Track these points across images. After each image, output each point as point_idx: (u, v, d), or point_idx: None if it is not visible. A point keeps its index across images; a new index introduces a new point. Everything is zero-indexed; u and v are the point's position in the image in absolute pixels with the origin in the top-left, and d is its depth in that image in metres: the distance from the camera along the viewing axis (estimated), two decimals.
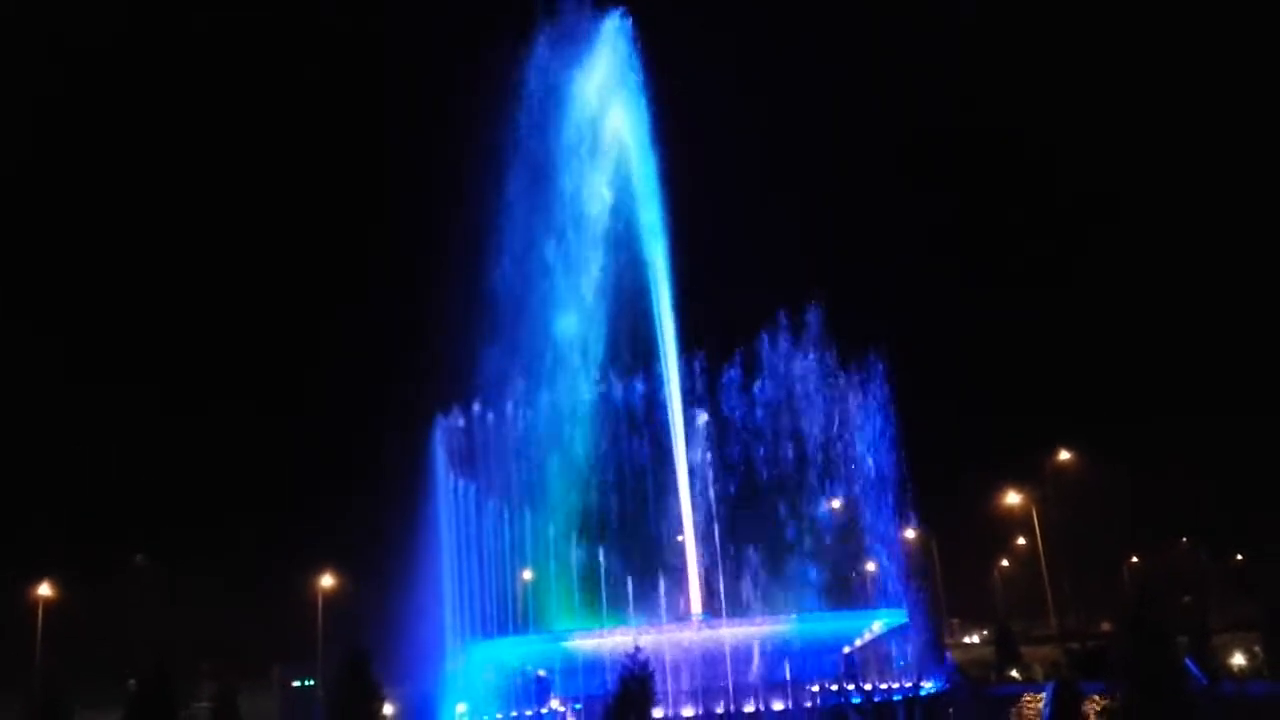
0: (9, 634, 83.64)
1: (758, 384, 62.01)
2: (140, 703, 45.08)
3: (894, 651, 62.42)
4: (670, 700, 48.81)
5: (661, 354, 61.49)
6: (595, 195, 65.51)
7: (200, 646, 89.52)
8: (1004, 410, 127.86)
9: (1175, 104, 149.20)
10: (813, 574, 60.97)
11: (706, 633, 51.35)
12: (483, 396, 61.89)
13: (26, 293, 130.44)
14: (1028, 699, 55.13)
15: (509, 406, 61.91)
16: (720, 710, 49.70)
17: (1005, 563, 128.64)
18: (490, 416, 61.76)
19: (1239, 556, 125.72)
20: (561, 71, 66.72)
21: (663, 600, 56.67)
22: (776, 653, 51.64)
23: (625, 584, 57.20)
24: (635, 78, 65.67)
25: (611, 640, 48.65)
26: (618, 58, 66.01)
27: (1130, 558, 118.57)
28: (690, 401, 61.05)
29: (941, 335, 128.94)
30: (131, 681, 51.31)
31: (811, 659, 53.76)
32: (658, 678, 37.88)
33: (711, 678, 50.40)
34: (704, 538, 58.55)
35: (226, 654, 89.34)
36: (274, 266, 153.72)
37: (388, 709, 45.69)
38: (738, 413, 61.67)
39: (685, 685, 49.99)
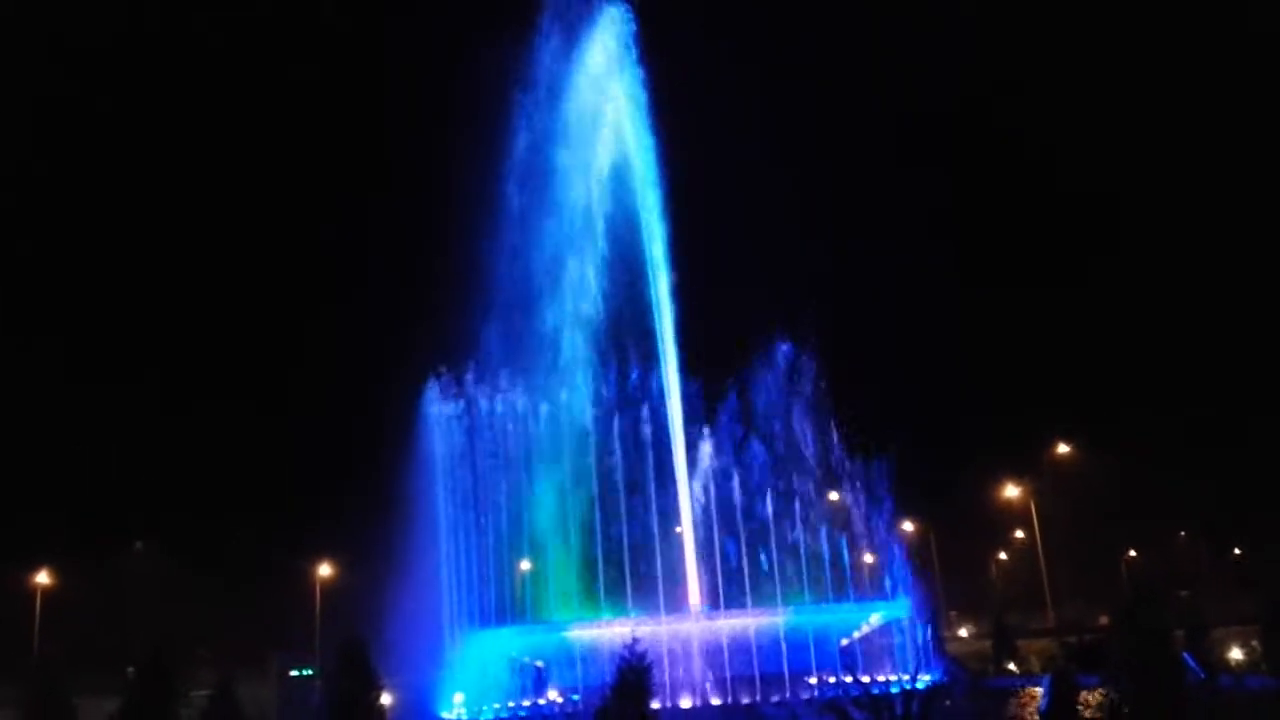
0: (8, 622, 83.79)
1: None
2: (138, 691, 45.00)
3: (892, 643, 62.51)
4: (668, 691, 48.88)
5: (661, 353, 61.54)
6: (594, 186, 65.50)
7: (198, 635, 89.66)
8: (1003, 403, 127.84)
9: (1179, 98, 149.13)
10: (810, 566, 61.07)
11: (705, 624, 51.53)
12: (478, 385, 61.95)
13: (26, 287, 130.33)
14: (1025, 692, 55.13)
15: (505, 395, 61.95)
16: (718, 701, 49.83)
17: (1003, 556, 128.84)
18: (486, 405, 61.81)
19: (1237, 551, 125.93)
20: (560, 68, 66.76)
21: (661, 592, 56.77)
22: (774, 644, 51.76)
23: (623, 575, 57.34)
24: (633, 72, 65.70)
25: (609, 631, 48.82)
26: (616, 53, 66.04)
27: (1128, 551, 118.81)
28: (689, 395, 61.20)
29: (940, 329, 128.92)
30: (130, 669, 51.27)
31: (809, 651, 53.89)
32: (656, 669, 37.83)
33: (710, 669, 50.52)
34: (703, 529, 58.63)
35: (225, 642, 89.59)
36: (270, 261, 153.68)
37: (386, 698, 45.59)
38: (736, 406, 61.85)
39: (683, 677, 50.07)
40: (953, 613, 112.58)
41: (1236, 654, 73.16)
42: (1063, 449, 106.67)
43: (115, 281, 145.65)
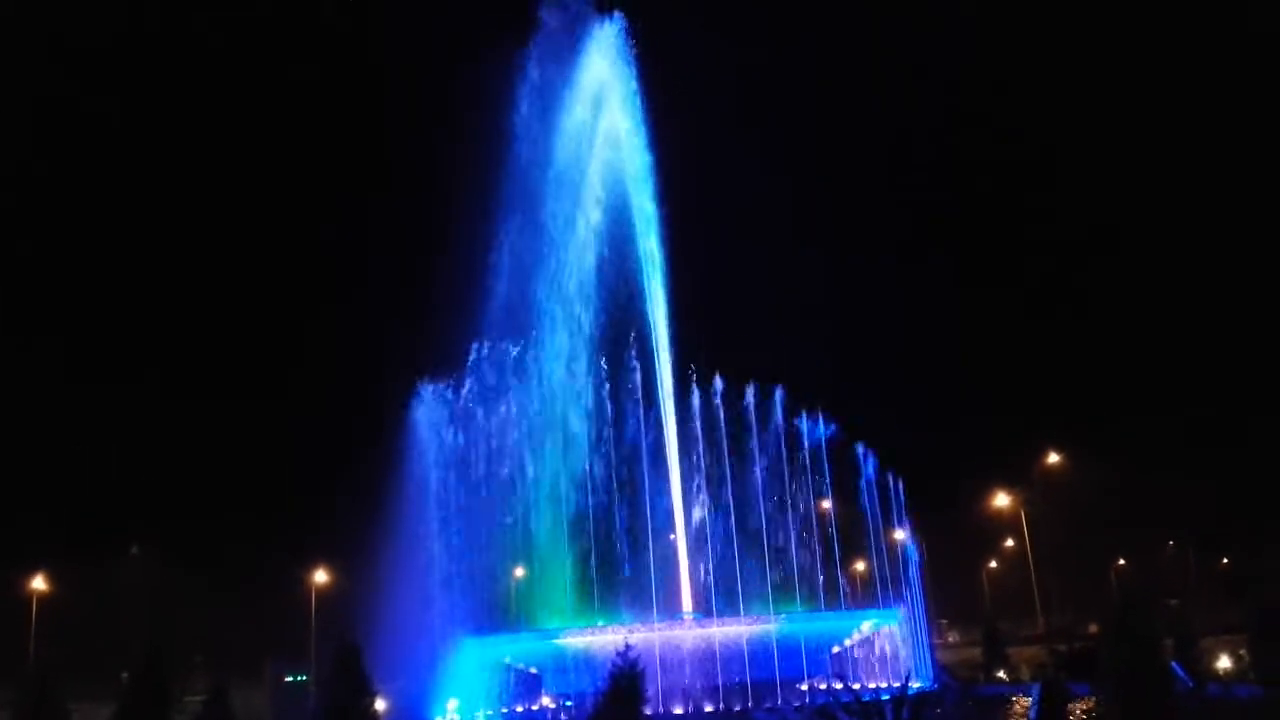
0: (3, 627, 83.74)
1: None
2: (133, 696, 45.21)
3: (883, 651, 62.78)
4: (660, 698, 49.07)
5: (656, 359, 61.78)
6: (591, 190, 65.75)
7: (193, 640, 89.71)
8: (994, 413, 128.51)
9: (1177, 99, 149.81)
10: (803, 574, 61.35)
11: (697, 631, 51.71)
12: (471, 389, 62.13)
13: (23, 288, 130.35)
14: (1015, 700, 55.44)
15: (499, 400, 62.14)
16: (710, 708, 50.05)
17: (993, 564, 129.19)
18: (479, 410, 61.99)
19: (1225, 560, 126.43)
20: (559, 70, 67.02)
21: (654, 598, 57.03)
22: (766, 651, 52.00)
23: (616, 582, 57.59)
24: (632, 76, 65.95)
25: (602, 638, 48.99)
26: (614, 57, 66.28)
27: (1117, 560, 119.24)
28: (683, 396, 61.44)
29: (932, 337, 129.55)
30: (124, 675, 51.43)
31: (801, 658, 54.14)
32: (648, 675, 38.10)
33: (702, 676, 50.74)
34: (696, 536, 58.88)
35: (219, 648, 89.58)
36: (266, 264, 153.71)
37: (379, 704, 45.77)
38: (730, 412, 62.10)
39: (675, 683, 50.29)
40: (943, 620, 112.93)
41: (1225, 663, 73.62)
42: (1053, 458, 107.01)
43: (115, 283, 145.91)
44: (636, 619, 54.56)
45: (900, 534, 67.31)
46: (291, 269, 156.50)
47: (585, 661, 50.04)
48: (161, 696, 45.60)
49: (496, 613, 60.14)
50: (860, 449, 62.63)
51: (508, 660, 57.22)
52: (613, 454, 60.45)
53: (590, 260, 65.04)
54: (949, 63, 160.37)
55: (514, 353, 62.74)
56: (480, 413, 61.81)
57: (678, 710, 50.17)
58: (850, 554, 66.37)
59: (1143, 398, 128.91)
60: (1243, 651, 67.24)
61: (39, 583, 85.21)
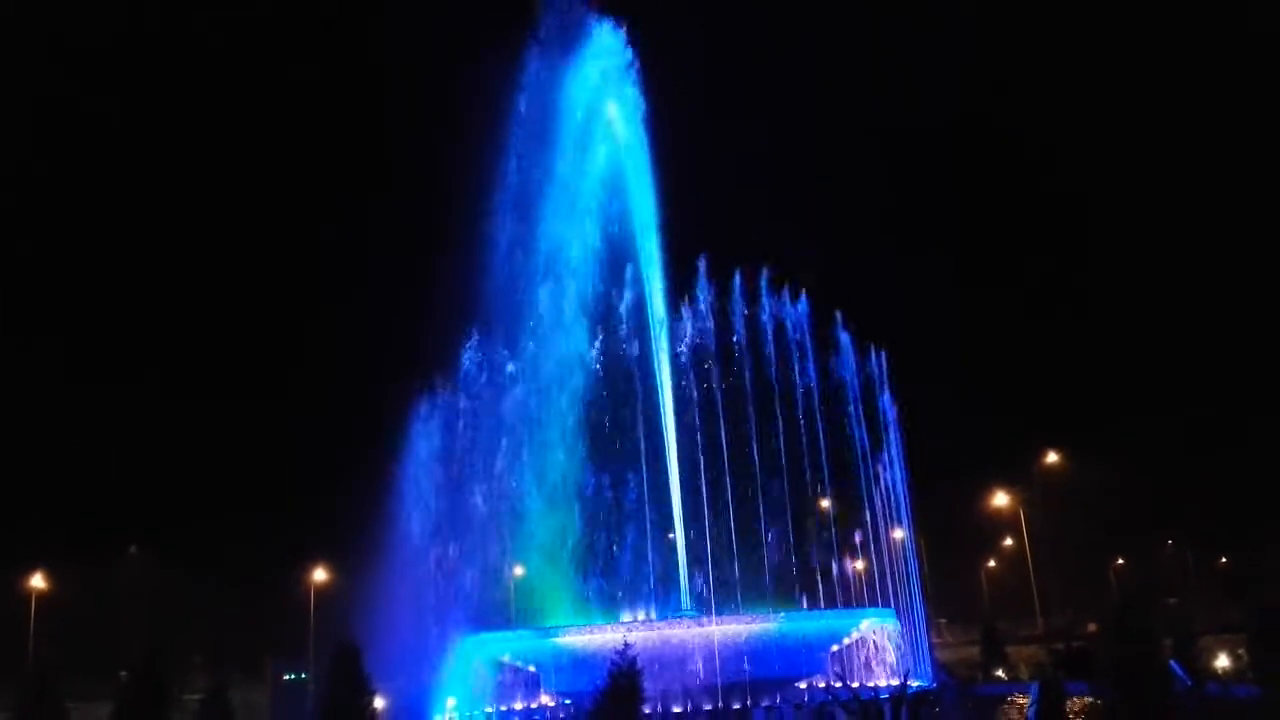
0: (2, 626, 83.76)
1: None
2: (131, 695, 45.27)
3: (882, 650, 62.82)
4: (659, 696, 49.09)
5: (655, 360, 61.74)
6: (589, 188, 65.69)
7: (193, 639, 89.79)
8: (992, 412, 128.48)
9: (1177, 99, 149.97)
10: (802, 573, 61.42)
11: (696, 630, 51.67)
12: (468, 389, 62.16)
13: (23, 288, 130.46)
14: (1013, 699, 55.47)
15: (496, 396, 62.15)
16: (709, 707, 50.05)
17: (992, 563, 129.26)
18: (476, 408, 62.03)
19: (1224, 559, 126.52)
20: (557, 71, 66.96)
21: (652, 597, 57.12)
22: (765, 650, 52.00)
23: (615, 581, 57.66)
24: (631, 78, 65.87)
25: (601, 636, 48.99)
26: (614, 59, 66.24)
27: (1116, 559, 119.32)
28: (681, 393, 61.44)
29: (932, 336, 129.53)
30: (123, 673, 51.50)
31: (800, 657, 54.18)
32: (646, 674, 38.15)
33: (701, 674, 50.74)
34: (694, 535, 58.87)
35: (219, 647, 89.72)
36: (266, 264, 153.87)
37: (378, 703, 45.83)
38: (730, 410, 62.13)
39: (674, 682, 50.29)
40: (942, 620, 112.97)
41: (1224, 662, 73.75)
42: (1052, 457, 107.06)
43: (115, 283, 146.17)
44: (635, 618, 54.68)
45: (900, 533, 67.42)
46: (291, 269, 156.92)
47: (584, 660, 50.00)
48: (160, 695, 45.65)
49: (495, 611, 60.20)
50: (860, 448, 62.62)
51: (506, 659, 57.21)
52: (611, 454, 60.51)
53: (591, 265, 64.92)
54: (949, 62, 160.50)
55: (510, 352, 62.81)
56: (478, 411, 61.86)
57: (676, 709, 50.17)
58: (849, 553, 66.41)
59: (1142, 398, 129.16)
60: (1241, 651, 67.41)
61: (38, 581, 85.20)
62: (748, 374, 62.44)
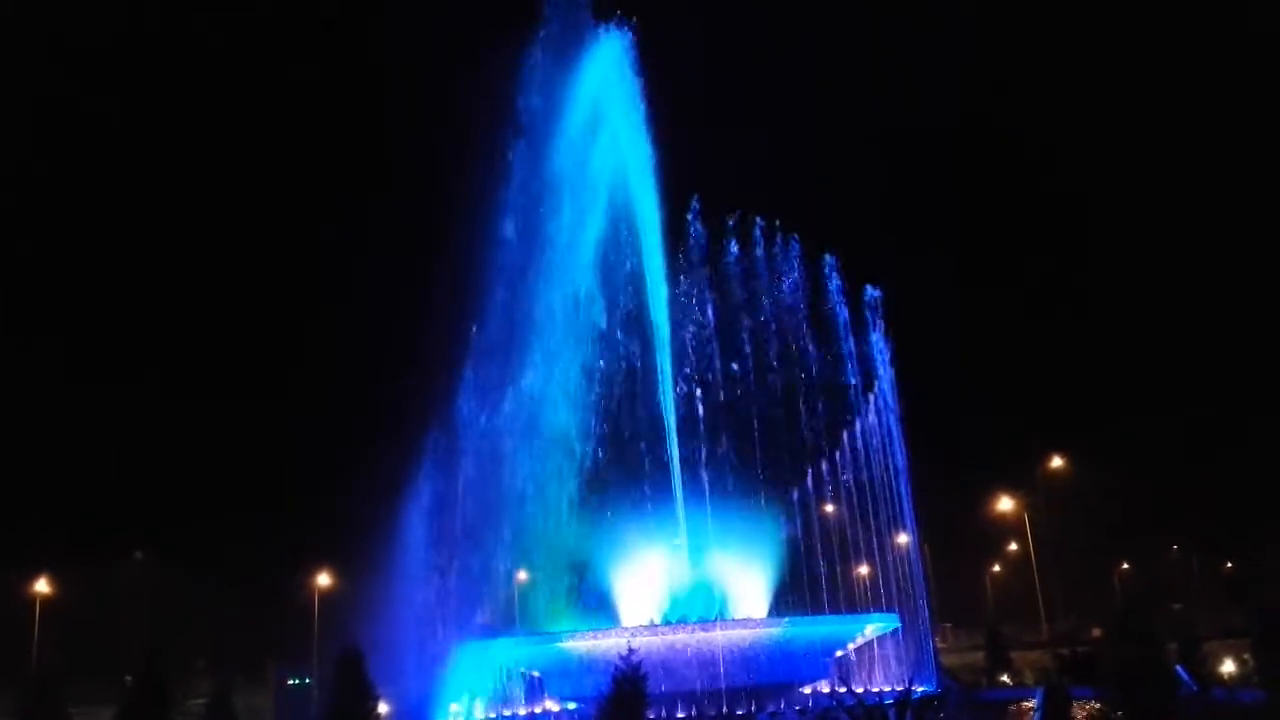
0: (5, 630, 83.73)
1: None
2: (134, 699, 45.23)
3: (886, 655, 62.76)
4: (663, 701, 49.02)
5: (662, 365, 61.71)
6: (592, 192, 65.62)
7: (195, 643, 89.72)
8: (997, 416, 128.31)
9: (1177, 99, 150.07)
10: (806, 578, 61.34)
11: (700, 635, 51.54)
12: (474, 393, 62.07)
13: (23, 288, 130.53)
14: (1018, 704, 55.34)
15: (502, 402, 62.10)
16: (713, 712, 49.94)
17: (996, 568, 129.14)
18: (482, 414, 61.96)
19: (1229, 564, 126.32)
20: (559, 73, 66.90)
21: (658, 602, 57.06)
22: (770, 655, 51.90)
23: (621, 585, 57.61)
24: (633, 80, 65.78)
25: (605, 641, 48.92)
26: (616, 61, 66.15)
27: (1121, 564, 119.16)
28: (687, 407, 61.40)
29: (936, 339, 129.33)
30: (127, 678, 51.48)
31: (804, 662, 54.07)
32: (651, 679, 38.09)
33: (705, 679, 50.61)
34: (698, 540, 58.79)
35: (222, 651, 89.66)
36: (267, 264, 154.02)
37: (382, 708, 45.81)
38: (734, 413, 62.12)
39: (678, 687, 50.19)
40: (946, 625, 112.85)
41: (1229, 667, 73.53)
42: (1056, 462, 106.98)
43: (115, 283, 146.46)
44: (639, 623, 54.62)
45: (903, 538, 67.31)
46: (291, 269, 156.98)
47: (589, 665, 49.93)
48: (163, 700, 45.63)
49: (499, 615, 60.14)
50: (865, 451, 62.54)
51: (510, 664, 57.17)
52: (616, 460, 60.49)
53: (591, 271, 64.86)
54: (949, 63, 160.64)
55: (515, 356, 62.78)
56: (481, 413, 61.82)
57: (680, 715, 50.10)
58: (853, 558, 66.29)
59: (1145, 400, 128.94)
60: (1247, 656, 67.11)
61: (42, 585, 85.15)
62: (748, 374, 62.57)
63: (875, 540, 63.91)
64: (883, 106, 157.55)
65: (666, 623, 55.02)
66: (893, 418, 63.21)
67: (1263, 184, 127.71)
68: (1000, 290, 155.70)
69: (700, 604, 57.28)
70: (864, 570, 68.61)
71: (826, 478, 62.84)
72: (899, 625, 59.74)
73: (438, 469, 61.65)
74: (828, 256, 64.43)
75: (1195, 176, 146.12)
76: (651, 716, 43.10)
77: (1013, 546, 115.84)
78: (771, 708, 51.00)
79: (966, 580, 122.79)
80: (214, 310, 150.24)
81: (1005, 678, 77.03)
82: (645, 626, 53.01)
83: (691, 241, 63.74)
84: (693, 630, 52.15)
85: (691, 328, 62.78)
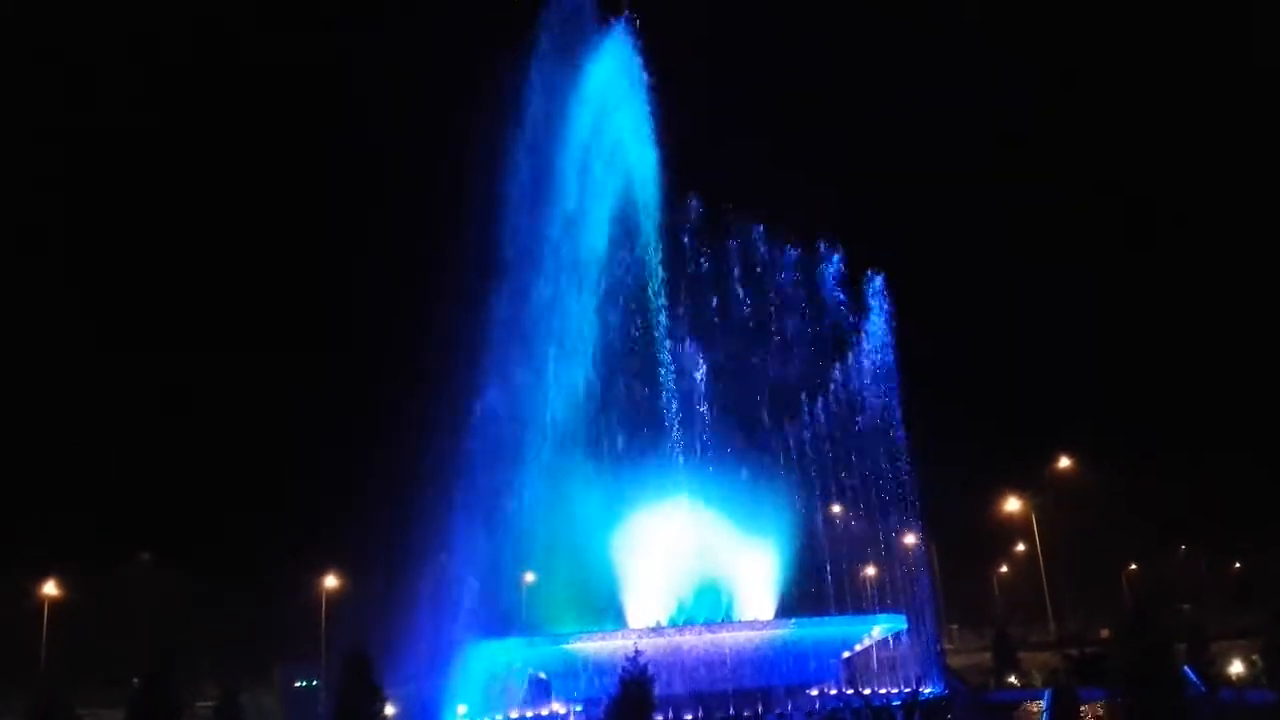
0: (14, 632, 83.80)
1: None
2: (142, 702, 45.33)
3: (893, 656, 62.71)
4: (670, 703, 48.99)
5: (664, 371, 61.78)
6: (598, 191, 65.61)
7: (204, 646, 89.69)
8: (1005, 417, 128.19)
9: (1178, 106, 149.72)
10: (814, 579, 61.34)
11: (707, 636, 51.50)
12: (484, 398, 62.05)
13: (27, 294, 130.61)
14: (1026, 705, 55.27)
15: (508, 403, 62.10)
16: (720, 714, 49.88)
17: (1004, 569, 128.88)
18: (491, 417, 61.93)
19: (1237, 565, 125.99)
20: (562, 75, 66.83)
21: (665, 603, 57.04)
22: (777, 657, 51.85)
23: (628, 587, 57.59)
24: (638, 82, 65.73)
25: (612, 643, 48.85)
26: (620, 62, 66.13)
27: (1129, 565, 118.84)
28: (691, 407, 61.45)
29: (943, 341, 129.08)
30: (135, 680, 51.54)
31: (811, 663, 53.99)
32: (658, 681, 38.06)
33: (712, 681, 50.57)
34: (705, 541, 58.77)
35: (230, 653, 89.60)
36: (275, 267, 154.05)
37: (389, 709, 45.89)
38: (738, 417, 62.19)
39: (685, 688, 50.15)
40: (954, 626, 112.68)
41: (1238, 668, 73.25)
42: (1064, 462, 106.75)
43: (118, 291, 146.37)
44: (647, 624, 54.60)
45: (911, 539, 67.27)
46: (296, 272, 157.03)
47: (596, 666, 49.91)
48: (171, 702, 45.73)
49: (506, 617, 60.10)
50: (872, 452, 62.54)
51: (517, 665, 57.14)
52: (622, 460, 60.51)
53: (596, 265, 64.83)
54: (954, 63, 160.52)
55: (522, 355, 62.76)
56: (488, 415, 61.80)
57: (687, 716, 50.03)
58: (860, 560, 66.28)
59: (1153, 401, 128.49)
60: (1256, 656, 66.90)
61: (50, 588, 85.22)
62: (748, 378, 62.70)
63: (882, 541, 63.90)
64: (883, 109, 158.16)
65: (673, 624, 54.98)
66: (900, 420, 63.19)
67: (1265, 186, 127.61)
68: (1009, 294, 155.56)
69: (707, 605, 57.27)
70: (871, 571, 68.63)
71: (833, 478, 62.82)
72: (906, 626, 59.63)
73: (443, 470, 61.58)
74: (835, 255, 64.57)
75: (1197, 177, 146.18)
76: (658, 718, 43.09)
77: (1020, 547, 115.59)
78: (779, 709, 50.94)
79: (974, 581, 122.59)
80: (219, 315, 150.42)
81: (1013, 679, 76.82)
82: (652, 628, 52.96)
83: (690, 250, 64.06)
84: (700, 632, 52.10)
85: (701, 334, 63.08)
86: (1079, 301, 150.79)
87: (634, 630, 51.30)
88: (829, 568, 62.80)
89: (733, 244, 65.25)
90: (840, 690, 54.22)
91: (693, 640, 51.35)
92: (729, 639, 51.74)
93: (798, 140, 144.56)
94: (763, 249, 65.13)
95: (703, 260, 64.68)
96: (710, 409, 61.65)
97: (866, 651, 61.22)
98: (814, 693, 54.54)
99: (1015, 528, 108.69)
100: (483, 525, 60.17)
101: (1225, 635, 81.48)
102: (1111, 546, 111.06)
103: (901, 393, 63.27)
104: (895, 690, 56.73)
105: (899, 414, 63.08)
